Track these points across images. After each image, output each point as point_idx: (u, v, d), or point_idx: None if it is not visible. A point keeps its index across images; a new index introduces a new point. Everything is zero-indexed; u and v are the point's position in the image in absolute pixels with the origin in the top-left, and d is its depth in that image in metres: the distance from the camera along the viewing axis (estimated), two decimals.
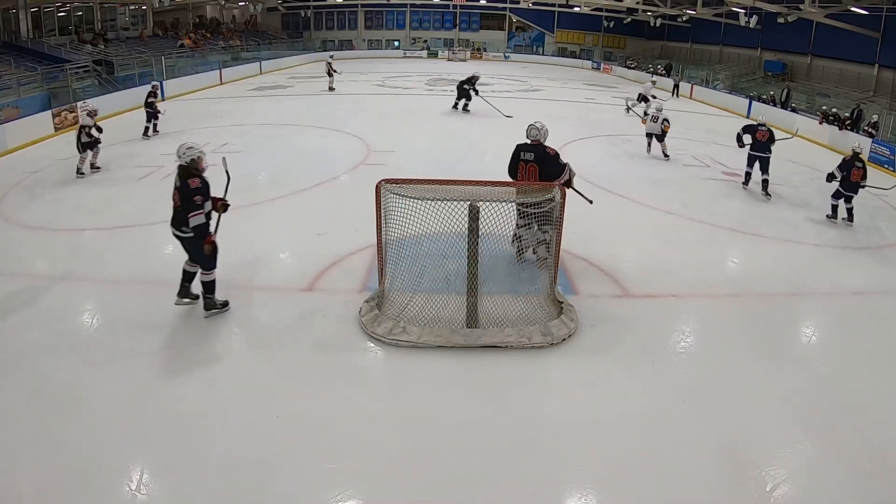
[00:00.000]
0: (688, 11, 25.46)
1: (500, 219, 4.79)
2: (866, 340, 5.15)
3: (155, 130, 12.62)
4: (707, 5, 24.26)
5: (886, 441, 3.84)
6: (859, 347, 5.03)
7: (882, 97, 17.04)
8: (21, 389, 4.05)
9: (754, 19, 20.78)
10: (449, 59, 33.97)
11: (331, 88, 19.80)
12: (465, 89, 15.46)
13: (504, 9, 35.78)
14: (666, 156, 11.38)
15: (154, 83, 13.68)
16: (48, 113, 12.50)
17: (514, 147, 5.92)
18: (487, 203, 4.65)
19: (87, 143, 9.38)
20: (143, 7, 24.10)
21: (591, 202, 6.20)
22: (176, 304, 5.11)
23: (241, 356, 4.64)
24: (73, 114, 13.18)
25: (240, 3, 31.38)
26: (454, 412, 3.97)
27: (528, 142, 5.85)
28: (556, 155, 5.79)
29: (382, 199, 4.78)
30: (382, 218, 4.84)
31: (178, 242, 4.96)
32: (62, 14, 19.96)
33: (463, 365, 4.48)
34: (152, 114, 12.45)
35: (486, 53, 35.48)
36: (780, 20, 19.89)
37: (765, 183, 9.18)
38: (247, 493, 3.26)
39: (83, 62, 16.52)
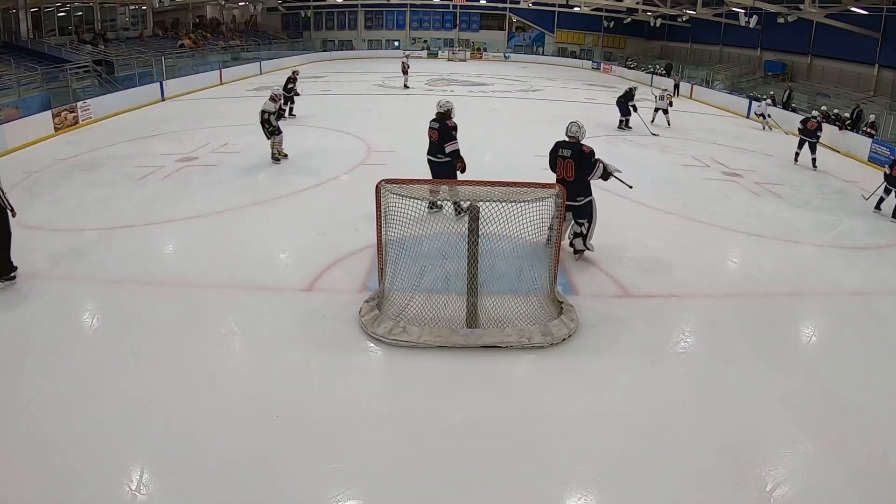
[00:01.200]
0: (688, 11, 25.48)
1: (501, 219, 4.79)
2: (866, 340, 5.15)
3: (291, 114, 13.81)
4: (707, 5, 24.27)
5: (886, 441, 3.84)
6: (859, 347, 5.03)
7: (882, 97, 17.05)
8: (21, 389, 4.05)
9: (754, 19, 20.79)
10: (449, 59, 34.00)
11: (405, 86, 20.21)
12: (628, 107, 14.58)
13: (504, 9, 35.80)
14: (668, 124, 14.99)
15: (296, 69, 15.05)
16: (48, 113, 12.50)
17: (554, 143, 6.24)
18: (487, 203, 4.65)
19: (271, 131, 9.79)
20: (143, 7, 24.11)
21: (630, 187, 6.69)
22: (428, 213, 5.99)
23: (242, 356, 4.64)
24: (73, 114, 13.19)
25: (240, 3, 31.39)
26: (454, 412, 3.97)
27: (567, 139, 6.11)
28: (591, 153, 6.06)
29: (382, 199, 4.78)
30: (382, 218, 4.84)
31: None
32: (62, 14, 19.97)
33: (463, 365, 4.47)
34: (289, 97, 13.75)
35: (486, 53, 35.50)
36: (780, 20, 19.91)
37: (813, 160, 11.56)
38: (246, 493, 3.26)
39: (83, 62, 16.53)
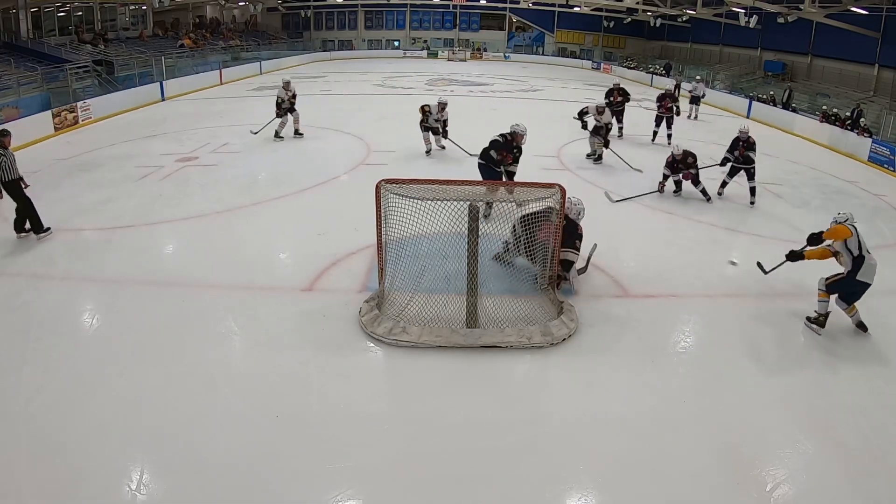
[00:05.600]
0: (688, 11, 25.45)
1: (500, 219, 4.79)
2: (866, 340, 5.15)
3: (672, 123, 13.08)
4: (707, 5, 24.24)
5: (886, 441, 3.84)
6: (859, 347, 5.03)
7: (882, 97, 17.03)
8: (21, 389, 4.05)
9: (754, 19, 20.76)
10: (449, 59, 33.97)
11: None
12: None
13: (504, 9, 35.77)
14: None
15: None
16: (48, 113, 12.49)
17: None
18: (487, 203, 4.65)
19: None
20: (143, 7, 24.08)
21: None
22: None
23: (242, 356, 4.64)
24: (73, 114, 13.19)
25: (240, 3, 31.38)
26: (454, 412, 3.97)
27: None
28: (580, 235, 5.74)
29: (382, 199, 4.78)
30: (382, 218, 4.84)
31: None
32: (62, 14, 19.94)
33: (463, 365, 4.47)
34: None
35: (486, 53, 35.49)
36: (780, 20, 19.88)
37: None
38: (246, 492, 3.26)
39: (83, 62, 16.50)
